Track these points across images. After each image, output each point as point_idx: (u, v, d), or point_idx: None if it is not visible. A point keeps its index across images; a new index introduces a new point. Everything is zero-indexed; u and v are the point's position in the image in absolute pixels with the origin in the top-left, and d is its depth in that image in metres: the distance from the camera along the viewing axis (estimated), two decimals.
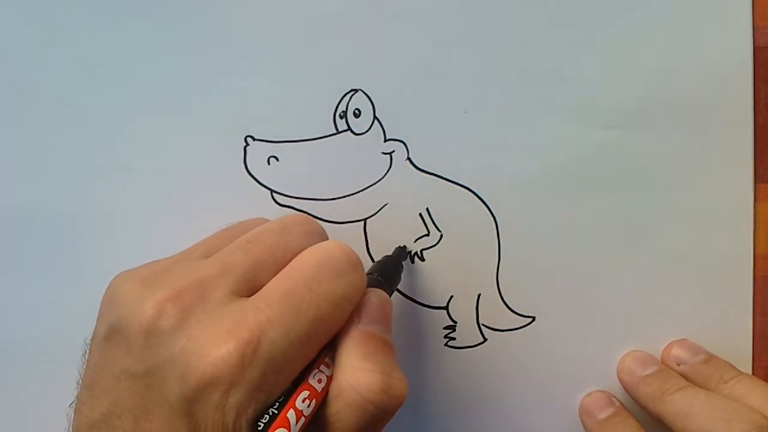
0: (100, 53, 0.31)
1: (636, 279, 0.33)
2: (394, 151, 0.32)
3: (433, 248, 0.32)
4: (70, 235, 0.32)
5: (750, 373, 0.33)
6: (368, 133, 0.32)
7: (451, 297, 0.33)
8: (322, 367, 0.22)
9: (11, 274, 0.32)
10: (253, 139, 0.32)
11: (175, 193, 0.32)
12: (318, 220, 0.27)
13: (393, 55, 0.32)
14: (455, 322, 0.33)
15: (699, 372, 0.31)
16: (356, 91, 0.32)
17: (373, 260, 0.32)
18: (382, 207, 0.32)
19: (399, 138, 0.32)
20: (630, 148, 0.32)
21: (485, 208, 0.32)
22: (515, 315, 0.33)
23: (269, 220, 0.28)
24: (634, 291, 0.33)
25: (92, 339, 0.24)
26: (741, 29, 0.32)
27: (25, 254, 0.32)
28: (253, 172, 0.32)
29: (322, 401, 0.22)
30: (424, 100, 0.32)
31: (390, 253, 0.32)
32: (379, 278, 0.28)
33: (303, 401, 0.21)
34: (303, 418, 0.21)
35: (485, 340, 0.33)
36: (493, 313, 0.33)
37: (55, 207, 0.32)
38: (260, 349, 0.21)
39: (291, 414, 0.21)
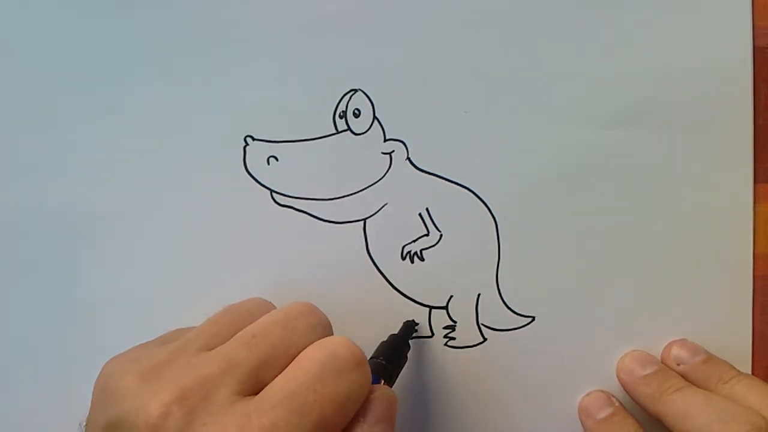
0: (99, 53, 0.31)
1: (636, 279, 0.33)
2: (393, 151, 0.32)
3: (433, 248, 0.32)
4: (70, 235, 0.32)
5: (750, 373, 0.33)
6: (368, 133, 0.32)
7: (451, 297, 0.33)
8: None
9: (11, 274, 0.32)
10: (253, 139, 0.32)
11: (175, 193, 0.32)
12: (323, 314, 0.26)
13: (393, 55, 0.32)
14: (455, 322, 0.33)
15: (698, 372, 0.31)
16: (356, 91, 0.32)
17: (373, 260, 0.32)
18: (382, 207, 0.32)
19: (399, 138, 0.32)
20: (630, 148, 0.32)
21: (485, 208, 0.32)
22: (515, 315, 0.33)
23: (269, 303, 0.28)
24: (634, 291, 0.33)
25: (88, 426, 0.24)
26: (741, 29, 0.32)
27: (25, 254, 0.32)
28: (252, 172, 0.32)
29: None
30: (424, 100, 0.32)
31: (399, 329, 0.32)
32: (384, 362, 0.28)
33: None
34: None
35: (485, 339, 0.33)
36: (493, 313, 0.33)
37: (55, 207, 0.32)
38: None
39: None
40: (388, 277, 0.32)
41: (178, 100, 0.31)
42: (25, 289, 0.32)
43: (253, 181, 0.32)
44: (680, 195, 0.33)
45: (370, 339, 0.32)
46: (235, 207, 0.32)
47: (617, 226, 0.33)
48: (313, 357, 0.23)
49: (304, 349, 0.24)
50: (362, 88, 0.32)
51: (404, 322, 0.32)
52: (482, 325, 0.33)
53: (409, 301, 0.33)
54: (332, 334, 0.25)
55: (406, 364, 0.31)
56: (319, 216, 0.32)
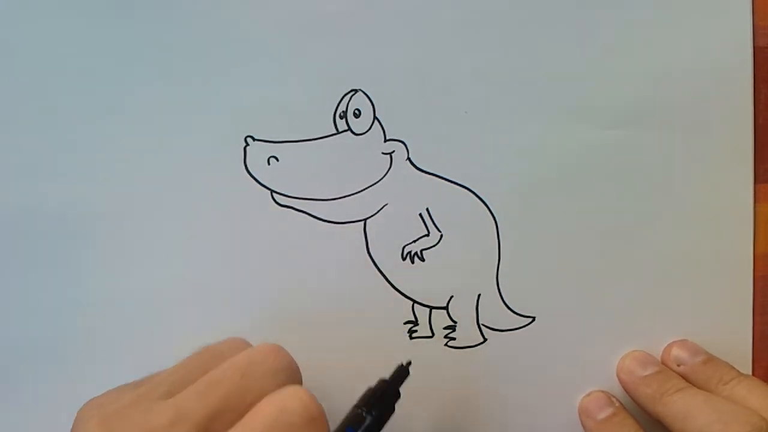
0: (99, 53, 0.31)
1: (636, 279, 0.33)
2: (394, 151, 0.32)
3: (433, 248, 0.32)
4: (70, 235, 0.32)
5: (750, 373, 0.33)
6: (368, 133, 0.32)
7: (451, 297, 0.33)
8: None
9: (11, 274, 0.32)
10: (253, 139, 0.32)
11: (175, 193, 0.32)
12: (289, 356, 0.25)
13: (393, 55, 0.32)
14: (455, 322, 0.33)
15: (699, 373, 0.31)
16: (356, 91, 0.32)
17: (373, 260, 0.32)
18: (382, 207, 0.32)
19: (399, 138, 0.32)
20: (630, 148, 0.32)
21: (485, 208, 0.32)
22: (515, 315, 0.33)
23: (245, 344, 0.27)
24: (634, 291, 0.33)
25: None
26: (741, 29, 0.32)
27: (25, 254, 0.32)
28: (253, 172, 0.32)
29: None
30: (424, 100, 0.32)
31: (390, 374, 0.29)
32: (364, 414, 0.26)
33: None
34: None
35: (485, 340, 0.33)
36: (493, 313, 0.33)
37: (55, 207, 0.32)
38: None
39: None
40: (388, 277, 0.32)
41: (178, 100, 0.31)
42: (25, 289, 0.32)
43: (253, 181, 0.32)
44: (680, 195, 0.33)
45: (370, 339, 0.32)
46: (235, 207, 0.32)
47: (617, 226, 0.33)
48: (262, 412, 0.22)
49: (262, 398, 0.23)
50: (362, 89, 0.32)
51: (397, 366, 0.28)
52: (482, 325, 0.33)
53: (409, 301, 0.33)
54: (297, 379, 0.25)
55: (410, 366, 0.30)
56: (319, 216, 0.32)
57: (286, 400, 0.22)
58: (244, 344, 0.27)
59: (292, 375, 0.25)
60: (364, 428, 0.25)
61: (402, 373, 0.28)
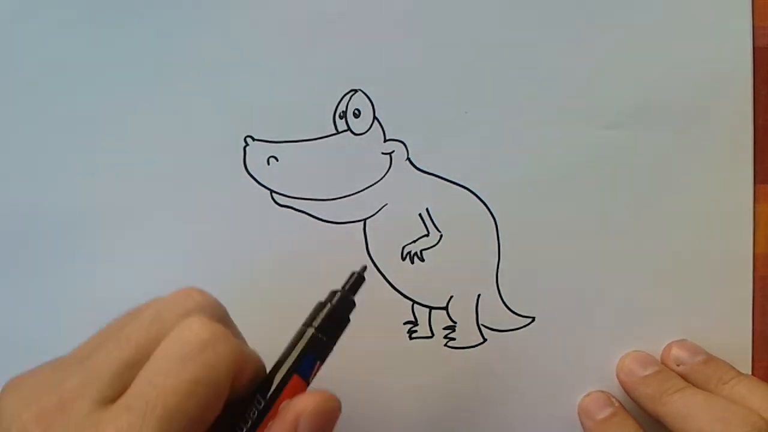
0: (100, 53, 0.31)
1: (636, 279, 0.33)
2: (393, 151, 0.32)
3: (433, 248, 0.32)
4: (70, 235, 0.32)
5: (750, 373, 0.33)
6: (368, 133, 0.32)
7: (451, 297, 0.33)
8: None
9: (11, 274, 0.32)
10: (253, 139, 0.32)
11: (175, 193, 0.32)
12: (203, 295, 0.24)
13: (393, 55, 0.32)
14: (455, 323, 0.33)
15: (698, 373, 0.31)
16: (356, 91, 0.32)
17: (373, 261, 0.32)
18: (382, 207, 0.32)
19: (399, 138, 0.32)
20: (630, 148, 0.32)
21: (485, 208, 0.32)
22: (515, 315, 0.33)
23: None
24: (634, 291, 0.33)
25: None
26: (741, 29, 0.32)
27: (25, 254, 0.32)
28: (252, 173, 0.32)
29: None
30: (424, 100, 0.32)
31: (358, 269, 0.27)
32: (319, 335, 0.24)
33: None
34: None
35: (485, 340, 0.33)
36: (493, 314, 0.33)
37: (55, 207, 0.32)
38: None
39: None
40: (388, 278, 0.32)
41: (178, 100, 0.32)
42: (25, 289, 0.32)
43: (253, 181, 0.32)
44: (680, 195, 0.33)
45: (370, 340, 0.32)
46: (235, 207, 0.32)
47: (617, 226, 0.33)
48: (162, 349, 0.22)
49: None
50: (362, 89, 0.32)
51: (351, 274, 0.26)
52: (482, 325, 0.33)
53: (408, 301, 0.33)
54: (216, 316, 0.23)
55: (407, 365, 0.30)
56: (319, 216, 0.32)
57: (180, 330, 0.22)
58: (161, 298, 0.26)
59: (208, 312, 0.23)
60: (318, 349, 0.24)
61: (358, 281, 0.26)
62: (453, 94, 0.32)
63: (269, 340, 0.26)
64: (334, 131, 0.32)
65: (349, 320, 0.25)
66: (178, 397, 0.21)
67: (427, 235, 0.32)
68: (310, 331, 0.24)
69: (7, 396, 0.23)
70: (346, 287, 0.26)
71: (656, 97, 0.32)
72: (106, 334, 0.24)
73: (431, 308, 0.33)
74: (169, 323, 0.23)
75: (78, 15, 0.31)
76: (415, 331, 0.32)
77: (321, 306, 0.25)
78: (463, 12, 0.32)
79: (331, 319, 0.25)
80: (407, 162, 0.32)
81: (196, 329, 0.22)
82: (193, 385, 0.21)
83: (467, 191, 0.32)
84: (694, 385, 0.31)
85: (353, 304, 0.26)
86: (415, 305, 0.33)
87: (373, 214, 0.32)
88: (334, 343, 0.25)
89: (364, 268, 0.26)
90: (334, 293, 0.25)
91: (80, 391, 0.22)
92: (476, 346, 0.33)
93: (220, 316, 0.24)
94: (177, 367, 0.21)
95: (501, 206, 0.32)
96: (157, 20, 0.31)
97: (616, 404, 0.32)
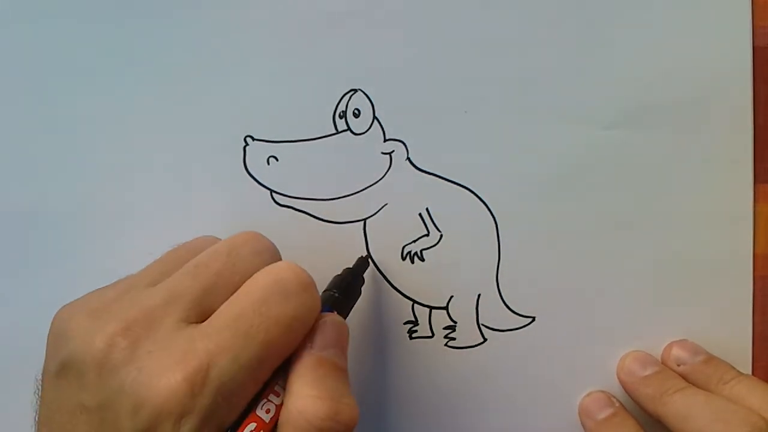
0: (100, 53, 0.31)
1: (636, 279, 0.33)
2: (393, 151, 0.32)
3: (433, 248, 0.32)
4: (70, 235, 0.32)
5: (750, 373, 0.33)
6: (368, 133, 0.32)
7: (451, 297, 0.33)
8: (271, 396, 0.22)
9: (11, 274, 0.32)
10: (253, 139, 0.32)
11: (175, 193, 0.32)
12: (268, 240, 0.26)
13: (393, 55, 0.32)
14: (455, 322, 0.33)
15: (699, 373, 0.31)
16: (356, 91, 0.32)
17: (373, 260, 0.32)
18: (382, 207, 0.32)
19: (399, 138, 0.32)
20: (630, 148, 0.32)
21: (485, 208, 0.32)
22: (515, 315, 0.33)
23: (218, 240, 0.28)
24: (634, 291, 0.33)
25: (43, 375, 0.24)
26: (741, 29, 0.32)
27: (25, 254, 0.32)
28: (252, 172, 0.32)
29: (273, 428, 0.22)
30: (424, 100, 0.32)
31: (354, 264, 0.31)
32: (337, 294, 0.28)
33: None
34: None
35: (485, 340, 0.33)
36: (493, 313, 0.33)
37: (55, 207, 0.32)
38: (209, 377, 0.21)
39: None
40: (388, 277, 0.32)
41: (178, 99, 0.32)
42: (26, 289, 0.32)
43: (253, 181, 0.32)
44: (680, 195, 0.33)
45: (370, 339, 0.32)
46: (235, 207, 0.32)
47: (617, 226, 0.33)
48: (257, 282, 0.23)
49: (250, 276, 0.24)
50: (362, 88, 0.32)
51: (358, 258, 0.32)
52: (482, 325, 0.33)
53: (409, 301, 0.33)
54: (280, 260, 0.25)
55: (407, 365, 0.30)
56: (319, 216, 0.32)
57: (279, 270, 0.23)
58: (215, 239, 0.28)
59: (275, 256, 0.25)
60: (339, 306, 0.27)
61: (364, 262, 0.31)
62: (453, 94, 0.32)
63: None
64: (334, 131, 0.32)
65: (363, 281, 0.30)
66: (279, 329, 0.22)
67: (427, 235, 0.32)
68: (326, 294, 0.28)
69: (74, 317, 0.23)
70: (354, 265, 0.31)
71: (656, 97, 0.32)
72: (171, 261, 0.25)
73: (431, 308, 0.33)
74: (246, 259, 0.24)
75: (78, 15, 0.31)
76: (416, 331, 0.32)
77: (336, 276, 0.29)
78: (463, 12, 0.32)
79: (344, 280, 0.29)
80: (407, 162, 0.32)
81: (297, 270, 0.23)
82: (294, 320, 0.22)
83: (467, 191, 0.32)
84: (694, 385, 0.31)
85: (366, 266, 0.31)
86: (416, 305, 0.33)
87: (373, 214, 0.32)
88: (349, 299, 0.29)
89: (369, 255, 0.32)
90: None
91: (165, 309, 0.22)
92: (476, 345, 0.33)
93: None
94: (281, 300, 0.22)
95: (501, 206, 0.32)
96: (157, 20, 0.31)
97: (617, 404, 0.32)
